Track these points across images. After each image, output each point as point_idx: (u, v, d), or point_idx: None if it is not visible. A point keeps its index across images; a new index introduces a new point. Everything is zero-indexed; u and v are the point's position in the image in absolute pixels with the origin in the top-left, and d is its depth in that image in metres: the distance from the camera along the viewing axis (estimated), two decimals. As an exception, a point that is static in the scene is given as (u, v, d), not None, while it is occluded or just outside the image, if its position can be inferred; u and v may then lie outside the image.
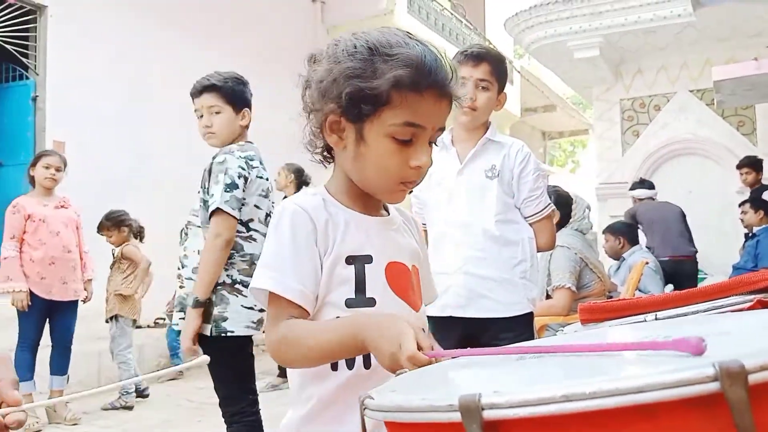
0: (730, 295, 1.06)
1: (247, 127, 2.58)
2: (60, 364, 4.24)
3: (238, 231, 2.37)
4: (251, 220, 2.42)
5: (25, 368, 3.99)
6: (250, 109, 2.57)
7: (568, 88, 11.10)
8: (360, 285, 1.05)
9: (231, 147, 2.46)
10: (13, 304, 3.98)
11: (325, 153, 1.14)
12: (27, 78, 6.06)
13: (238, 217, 2.35)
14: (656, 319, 1.06)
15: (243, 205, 2.39)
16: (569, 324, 1.60)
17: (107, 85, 6.27)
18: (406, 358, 0.82)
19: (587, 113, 18.82)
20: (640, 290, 4.69)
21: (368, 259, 1.07)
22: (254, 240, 2.42)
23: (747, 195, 6.30)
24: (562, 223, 3.54)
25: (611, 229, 5.57)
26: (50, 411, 4.19)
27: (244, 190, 2.37)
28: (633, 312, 1.12)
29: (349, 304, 1.04)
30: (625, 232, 5.47)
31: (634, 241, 5.44)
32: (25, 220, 4.07)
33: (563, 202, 3.55)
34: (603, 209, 8.31)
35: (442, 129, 1.07)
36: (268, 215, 2.48)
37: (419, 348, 0.84)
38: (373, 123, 1.02)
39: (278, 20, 8.29)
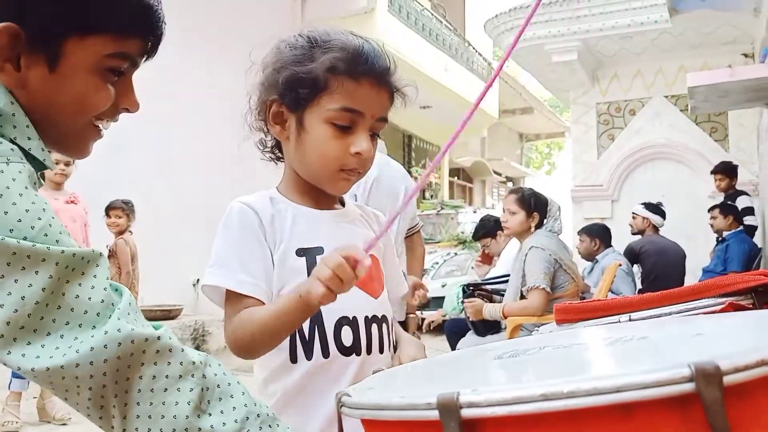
0: (702, 298, 1.08)
1: None
2: None
3: None
4: None
5: None
6: None
7: (545, 90, 11.20)
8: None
9: None
10: None
11: (275, 152, 1.16)
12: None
13: None
14: (630, 320, 1.08)
15: None
16: (544, 324, 1.61)
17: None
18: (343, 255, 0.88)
19: (564, 116, 19.02)
20: (612, 292, 4.75)
21: (320, 250, 1.08)
22: None
23: (718, 200, 6.40)
24: (539, 225, 3.56)
25: (587, 231, 5.63)
26: (40, 409, 4.10)
27: None
28: (608, 313, 1.13)
29: None
30: (600, 233, 5.53)
31: (608, 243, 5.51)
32: None
33: (541, 204, 3.58)
34: (578, 211, 8.39)
35: (384, 120, 1.09)
36: None
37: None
38: (313, 110, 1.04)
39: (257, 16, 8.22)
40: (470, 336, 3.77)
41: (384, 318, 1.13)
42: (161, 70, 7.13)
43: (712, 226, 5.91)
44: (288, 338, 1.05)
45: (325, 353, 1.05)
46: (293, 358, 1.06)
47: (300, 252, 1.07)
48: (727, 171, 6.39)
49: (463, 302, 3.77)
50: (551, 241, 3.48)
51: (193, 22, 7.32)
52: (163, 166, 6.68)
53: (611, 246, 5.54)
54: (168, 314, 6.37)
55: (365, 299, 1.10)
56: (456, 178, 16.74)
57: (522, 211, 3.51)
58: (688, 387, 0.48)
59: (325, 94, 1.03)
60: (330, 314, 1.06)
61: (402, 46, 9.20)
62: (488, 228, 4.88)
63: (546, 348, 0.76)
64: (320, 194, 1.13)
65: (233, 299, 1.04)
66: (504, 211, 3.62)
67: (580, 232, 5.74)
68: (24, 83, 0.79)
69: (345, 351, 1.06)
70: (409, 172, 13.26)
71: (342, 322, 1.07)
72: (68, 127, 0.84)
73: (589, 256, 5.54)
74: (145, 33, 0.86)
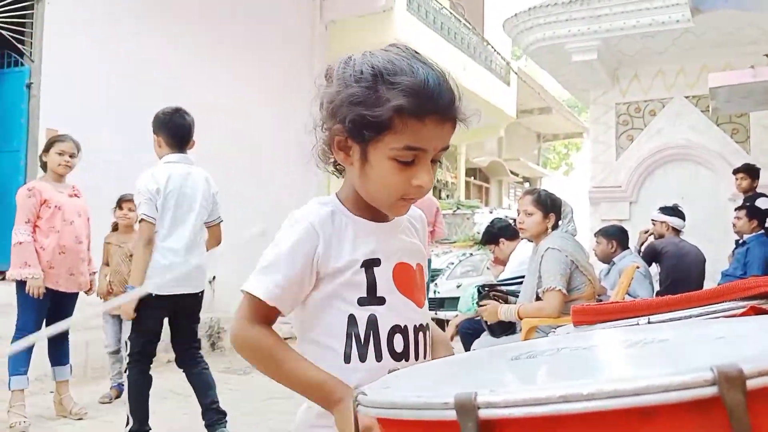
0: (723, 301, 1.06)
1: None
2: (61, 354, 4.13)
3: None
4: None
5: (21, 361, 3.81)
6: None
7: (564, 90, 11.13)
8: (371, 286, 1.13)
9: None
10: (27, 292, 3.80)
11: (337, 165, 1.19)
12: (22, 65, 6.00)
13: None
14: (649, 322, 1.06)
15: None
16: (560, 326, 1.60)
17: (102, 74, 6.22)
18: None
19: (582, 116, 18.87)
20: (629, 294, 4.70)
21: (377, 262, 1.14)
22: None
23: (739, 203, 6.32)
24: (555, 226, 3.54)
25: (604, 233, 5.57)
26: (56, 403, 4.12)
27: None
28: (626, 315, 1.12)
29: (361, 302, 1.12)
30: (617, 235, 5.49)
31: (625, 245, 5.46)
32: (40, 204, 3.90)
33: (557, 205, 3.56)
34: (595, 213, 8.33)
35: (446, 148, 1.11)
36: None
37: None
38: (377, 146, 1.07)
39: (276, 15, 8.25)
40: (485, 337, 3.75)
41: (427, 326, 1.20)
42: (177, 67, 7.18)
43: (734, 225, 5.83)
44: (344, 340, 1.11)
45: (378, 358, 1.11)
46: (347, 360, 1.11)
47: (362, 263, 1.13)
48: (749, 171, 6.31)
49: (478, 303, 3.75)
50: (567, 243, 3.45)
51: (211, 17, 7.36)
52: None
53: (628, 248, 5.49)
54: (185, 310, 6.40)
55: (414, 309, 1.17)
56: (472, 178, 16.68)
57: (539, 211, 3.49)
58: (711, 391, 0.48)
59: (389, 132, 1.05)
60: (385, 322, 1.12)
61: (420, 45, 9.12)
62: (490, 235, 4.89)
63: (564, 349, 0.76)
64: (380, 213, 1.18)
65: (258, 303, 1.11)
66: (519, 213, 3.61)
67: (596, 234, 5.69)
68: None
69: (396, 357, 1.12)
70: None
71: (395, 330, 1.13)
72: None
73: (606, 258, 5.49)
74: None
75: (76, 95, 5.99)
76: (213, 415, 3.35)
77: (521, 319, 3.36)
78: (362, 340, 1.11)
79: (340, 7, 8.95)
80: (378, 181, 1.09)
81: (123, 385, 4.48)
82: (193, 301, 3.48)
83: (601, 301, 3.99)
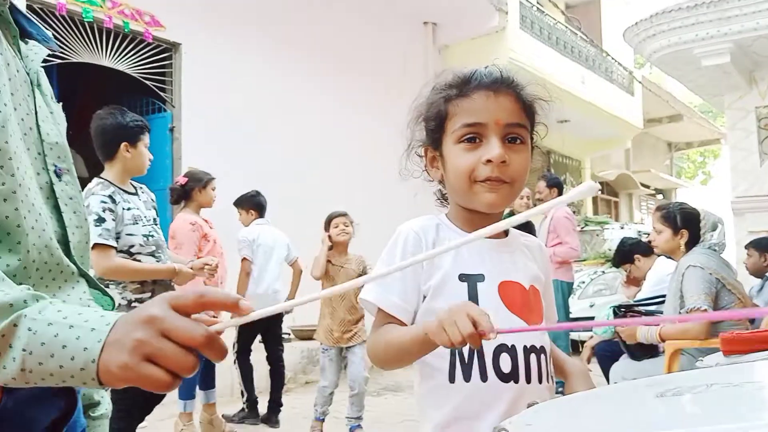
0: None
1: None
2: (207, 378, 4.37)
3: (123, 257, 2.72)
4: (132, 245, 2.75)
5: (193, 386, 4.16)
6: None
7: (694, 96, 10.49)
8: (472, 301, 1.10)
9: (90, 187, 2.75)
10: None
11: (446, 198, 1.28)
12: (165, 110, 6.57)
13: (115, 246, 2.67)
14: (811, 352, 0.99)
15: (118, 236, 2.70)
16: (706, 348, 1.51)
17: (237, 116, 6.68)
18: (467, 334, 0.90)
19: (718, 122, 17.68)
20: (785, 314, 4.31)
21: (480, 277, 1.14)
22: (139, 262, 2.77)
23: None
24: (693, 241, 3.34)
25: (756, 244, 5.18)
26: (205, 424, 4.33)
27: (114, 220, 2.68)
28: (783, 344, 1.05)
29: None
30: (771, 247, 5.07)
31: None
32: (201, 238, 4.21)
33: (691, 220, 3.35)
34: (740, 224, 7.74)
35: (518, 125, 1.13)
36: (147, 237, 2.81)
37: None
38: (445, 139, 1.16)
39: (389, 43, 8.42)
40: (624, 360, 3.58)
41: (542, 348, 1.15)
42: (304, 106, 7.51)
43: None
44: (448, 359, 1.11)
45: (484, 377, 1.09)
46: (451, 379, 1.11)
47: (462, 277, 1.14)
48: None
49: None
50: (710, 259, 3.24)
51: (329, 52, 7.65)
52: (303, 199, 6.98)
53: (784, 261, 5.05)
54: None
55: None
56: (600, 192, 16.04)
57: (667, 229, 3.32)
58: None
59: (448, 121, 1.15)
60: (489, 341, 1.08)
61: (535, 62, 9.03)
62: (623, 253, 4.62)
63: (714, 386, 0.72)
64: (485, 223, 1.16)
65: (382, 315, 1.15)
66: (653, 229, 3.45)
67: (747, 246, 5.30)
68: None
69: (503, 377, 1.09)
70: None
71: (501, 348, 1.11)
72: None
73: (758, 273, 5.08)
74: None
75: (212, 135, 6.47)
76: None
77: (663, 341, 3.19)
78: (466, 359, 1.10)
79: (453, 31, 9.00)
80: (452, 168, 1.15)
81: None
82: (279, 315, 4.75)
83: (753, 322, 3.69)
